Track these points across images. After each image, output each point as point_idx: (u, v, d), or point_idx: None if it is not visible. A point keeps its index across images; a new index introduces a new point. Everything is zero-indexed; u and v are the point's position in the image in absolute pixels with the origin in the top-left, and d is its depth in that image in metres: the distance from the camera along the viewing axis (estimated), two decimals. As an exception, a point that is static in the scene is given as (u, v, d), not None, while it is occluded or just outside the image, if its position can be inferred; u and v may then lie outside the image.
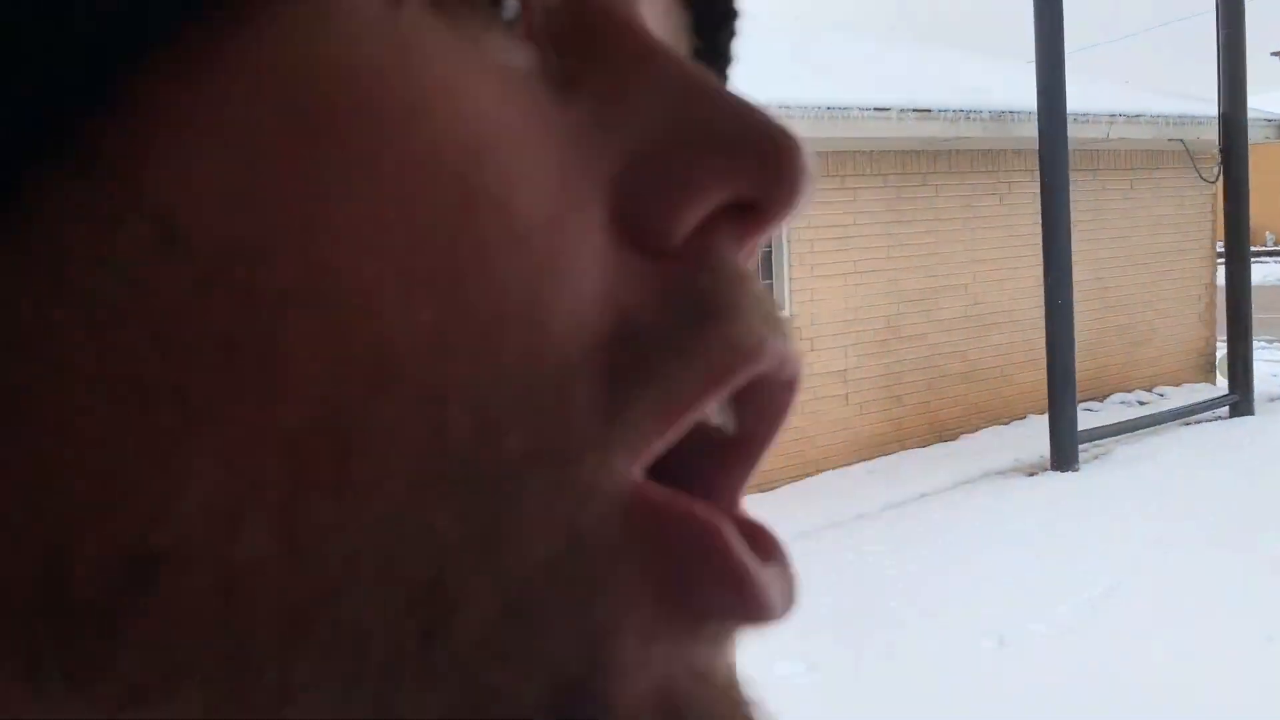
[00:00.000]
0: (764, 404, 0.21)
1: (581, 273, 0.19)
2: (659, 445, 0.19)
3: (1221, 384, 7.40)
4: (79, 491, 0.17)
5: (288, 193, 0.17)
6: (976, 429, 6.44)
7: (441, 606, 0.17)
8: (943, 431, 6.28)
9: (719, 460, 0.21)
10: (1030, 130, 5.84)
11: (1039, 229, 5.80)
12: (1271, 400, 7.18)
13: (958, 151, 6.36)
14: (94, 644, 0.17)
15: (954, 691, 3.04)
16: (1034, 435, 6.02)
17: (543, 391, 0.18)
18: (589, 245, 0.19)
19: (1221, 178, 7.22)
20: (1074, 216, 5.79)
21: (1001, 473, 5.62)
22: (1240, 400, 6.95)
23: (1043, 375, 5.88)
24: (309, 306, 0.17)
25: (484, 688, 0.18)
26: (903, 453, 6.01)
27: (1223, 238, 7.45)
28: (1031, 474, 5.60)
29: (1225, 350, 7.29)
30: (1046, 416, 5.84)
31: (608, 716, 0.18)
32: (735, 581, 0.19)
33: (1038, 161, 5.74)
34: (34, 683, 0.17)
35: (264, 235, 0.17)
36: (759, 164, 0.20)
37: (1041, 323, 5.90)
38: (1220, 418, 6.88)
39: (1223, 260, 7.40)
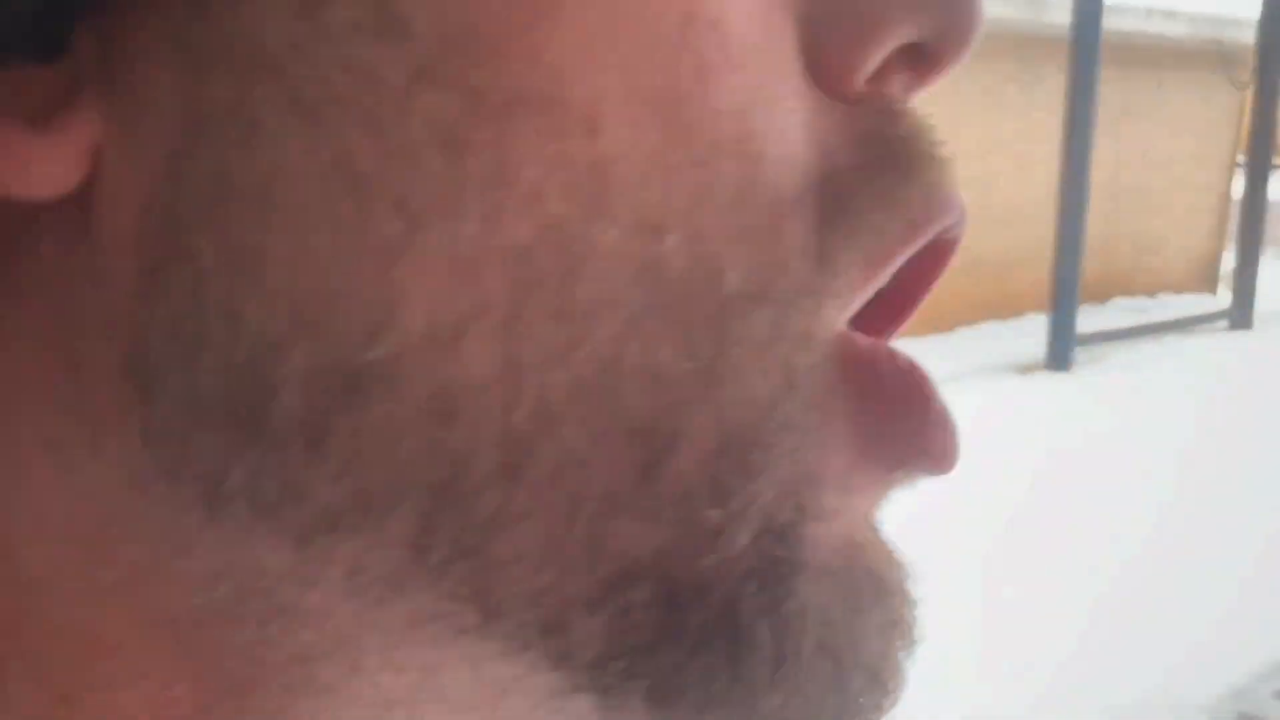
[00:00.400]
0: (928, 261, 0.20)
1: (789, 105, 0.18)
2: (863, 296, 0.19)
3: (1225, 296, 7.36)
4: (288, 296, 0.16)
5: None
6: (975, 323, 6.41)
7: (662, 441, 0.17)
8: (939, 323, 6.25)
9: (872, 317, 0.20)
10: (1062, 17, 5.66)
11: (1061, 124, 5.68)
12: (1274, 316, 7.15)
13: (985, 34, 6.17)
14: (292, 465, 0.16)
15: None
16: (1032, 333, 6.01)
17: (758, 229, 0.18)
18: (793, 77, 0.18)
19: (1253, 84, 7.07)
20: (1099, 112, 5.66)
21: (995, 369, 5.62)
22: (1239, 315, 6.95)
23: (1047, 274, 5.83)
24: (537, 114, 0.16)
25: (700, 527, 0.17)
26: (897, 342, 5.97)
27: (1245, 147, 7.34)
28: (1025, 372, 5.60)
29: (1233, 263, 7.25)
30: (1045, 315, 5.81)
31: (802, 562, 0.18)
32: (938, 429, 0.19)
33: (1068, 51, 5.58)
34: (213, 509, 0.17)
35: (493, 29, 0.16)
36: (941, 4, 0.20)
37: (1052, 220, 5.83)
38: (1219, 330, 6.86)
39: (1244, 169, 7.31)
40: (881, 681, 0.20)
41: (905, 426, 0.19)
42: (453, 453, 0.16)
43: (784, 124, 0.18)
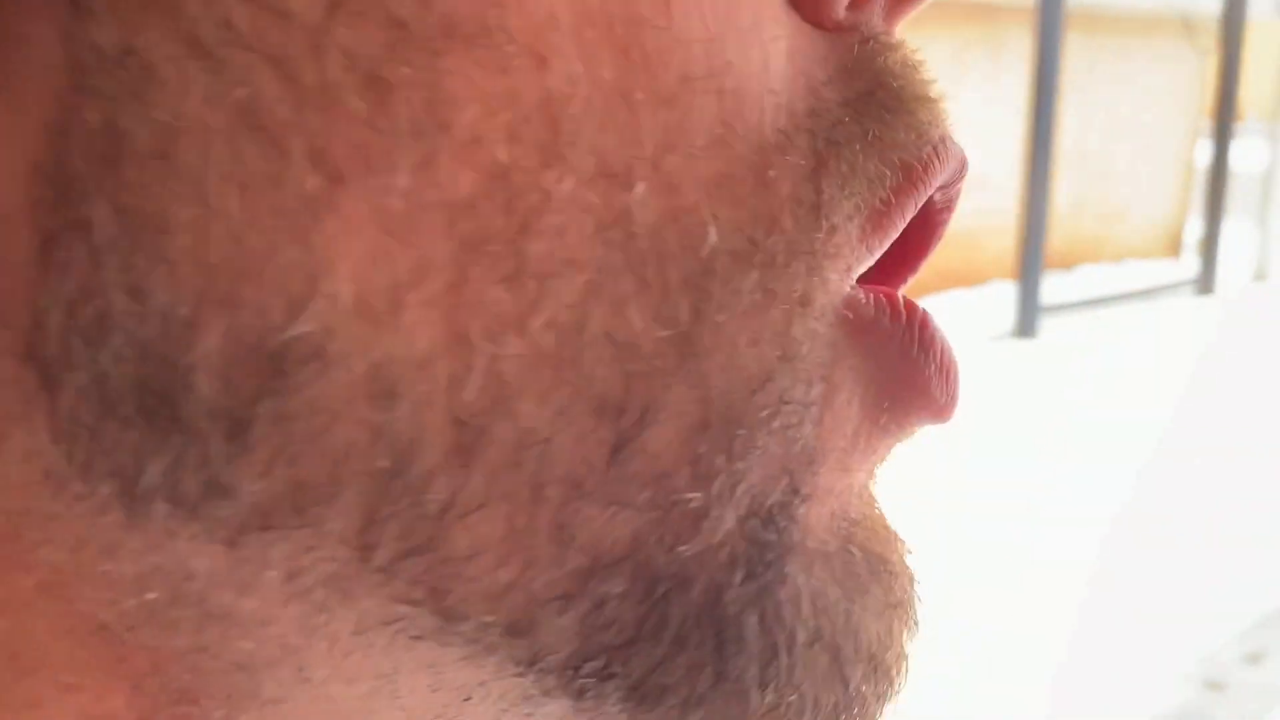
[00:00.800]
0: (929, 215, 0.19)
1: (770, 32, 0.16)
2: (866, 258, 0.17)
3: (1190, 263, 7.43)
4: (196, 268, 0.14)
5: None
6: (942, 291, 6.44)
7: (633, 417, 0.15)
8: (913, 293, 6.27)
9: (870, 277, 0.18)
10: (1027, -15, 5.67)
11: (1027, 91, 5.69)
12: (1239, 281, 7.23)
13: (950, 2, 6.17)
14: (214, 458, 0.15)
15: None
16: (999, 301, 6.04)
17: (740, 177, 0.16)
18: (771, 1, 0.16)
19: (1216, 52, 7.12)
20: (1065, 80, 5.68)
21: (962, 337, 5.65)
22: (1204, 280, 7.03)
23: (1013, 242, 5.86)
24: (474, 45, 0.14)
25: (679, 512, 0.16)
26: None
27: (1209, 114, 7.39)
28: (993, 340, 5.63)
29: (1198, 229, 7.32)
30: (1012, 283, 5.83)
31: (794, 546, 0.17)
32: (945, 379, 0.18)
33: (1032, 19, 5.60)
34: (132, 509, 0.15)
35: None
36: None
37: (1018, 189, 5.86)
38: (1185, 295, 6.93)
39: (1208, 137, 7.38)
40: (885, 669, 0.18)
41: (914, 385, 0.18)
42: (395, 438, 0.15)
43: (765, 54, 0.16)
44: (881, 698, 0.18)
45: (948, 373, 0.18)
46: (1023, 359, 5.28)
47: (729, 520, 0.16)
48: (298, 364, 0.14)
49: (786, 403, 0.16)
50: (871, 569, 0.18)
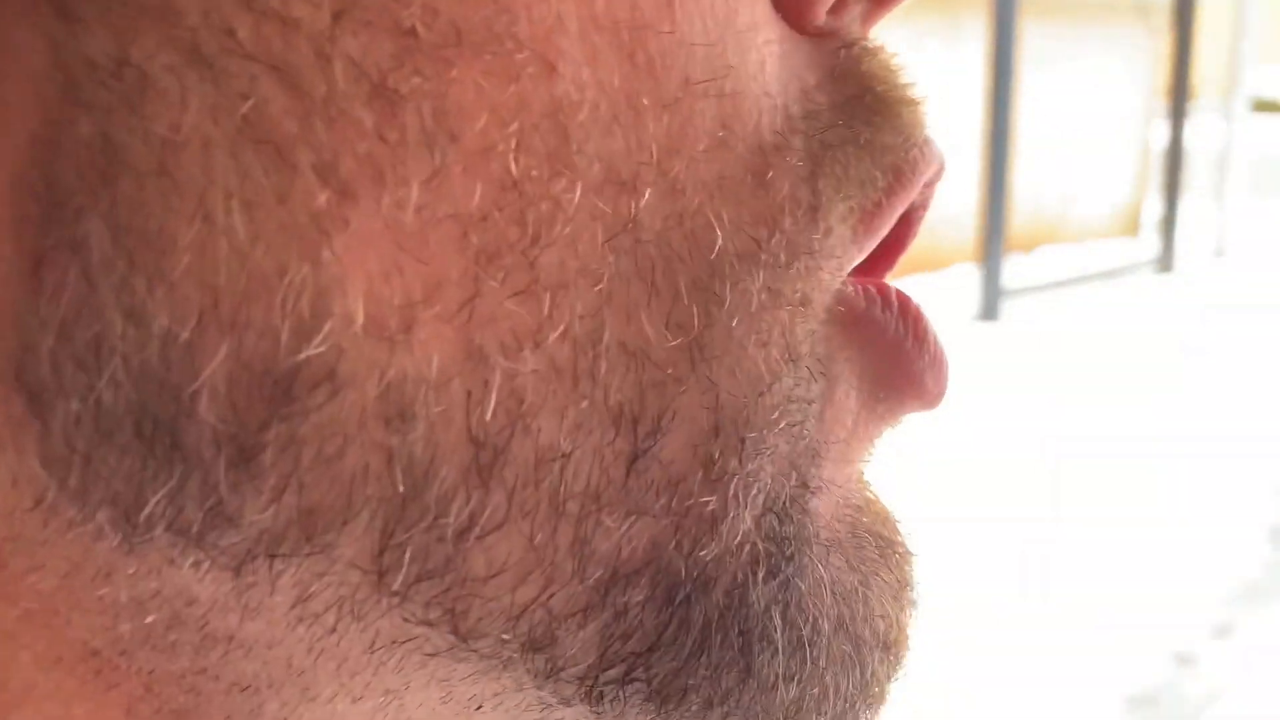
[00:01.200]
0: (908, 211, 0.19)
1: (764, 35, 0.16)
2: (856, 257, 0.18)
3: (1150, 241, 7.49)
4: (199, 289, 0.13)
5: None
6: (905, 276, 6.45)
7: (649, 425, 0.15)
8: (872, 277, 6.29)
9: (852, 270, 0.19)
10: (982, -29, 5.70)
11: (984, 78, 5.72)
12: (1198, 258, 7.29)
13: (907, -10, 6.18)
14: (218, 487, 0.14)
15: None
16: (962, 285, 6.07)
17: (743, 180, 0.16)
18: (761, 4, 0.16)
19: (1169, 33, 7.17)
20: (1021, 65, 5.71)
21: (927, 321, 5.68)
22: (1164, 258, 7.11)
23: (974, 226, 5.89)
24: (483, 53, 0.14)
25: (696, 516, 0.16)
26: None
27: (1164, 95, 7.44)
28: (956, 323, 5.66)
29: (1157, 208, 7.37)
30: (974, 266, 5.86)
31: (810, 539, 0.17)
32: (936, 368, 0.18)
33: (988, 5, 5.62)
34: (131, 536, 0.14)
35: None
36: None
37: (977, 173, 5.88)
38: (1145, 274, 6.99)
39: (1163, 118, 7.44)
40: (895, 651, 0.19)
41: (907, 375, 0.18)
42: (411, 460, 0.14)
43: (761, 57, 0.16)
44: (891, 678, 0.19)
45: (939, 362, 0.19)
46: (987, 341, 5.31)
47: (746, 520, 0.16)
48: (308, 388, 0.14)
49: (792, 402, 0.16)
50: (881, 552, 0.19)
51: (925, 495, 3.36)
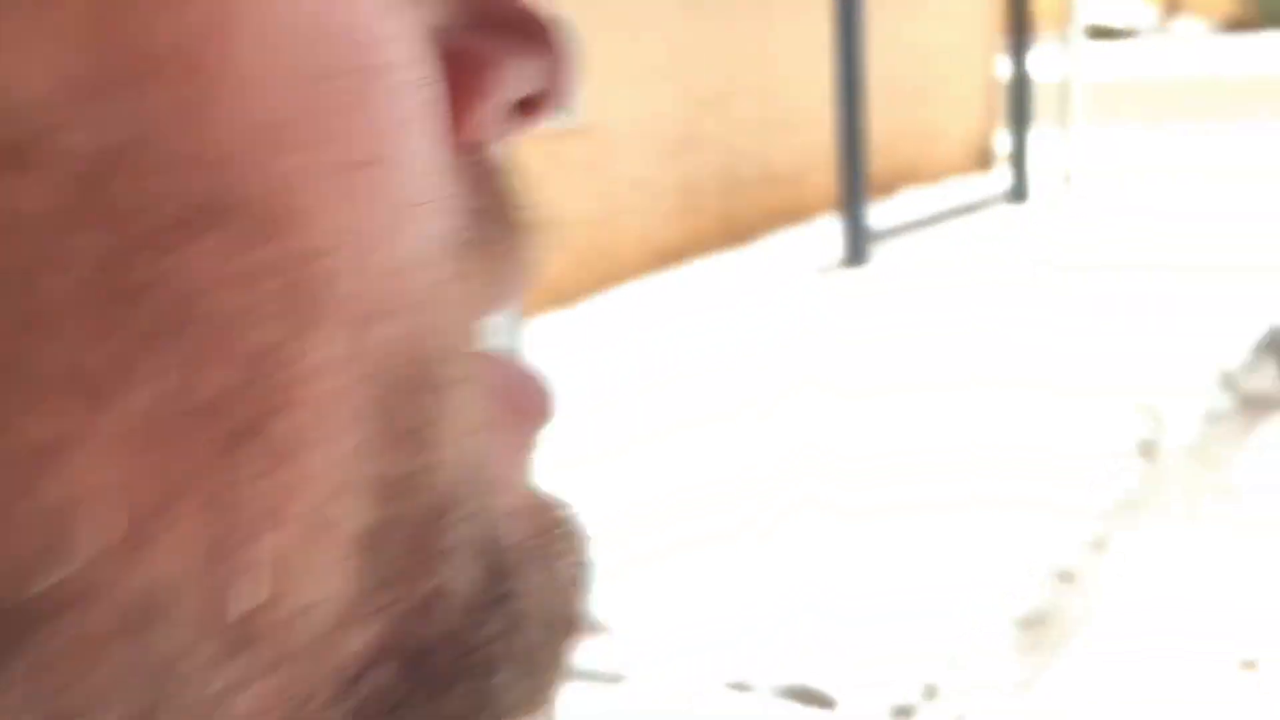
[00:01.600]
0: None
1: (441, 152, 0.17)
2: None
3: (1003, 174, 7.70)
4: None
5: (165, 68, 0.13)
6: (772, 230, 6.54)
7: (385, 544, 0.16)
8: (737, 237, 6.34)
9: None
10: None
11: (832, 28, 5.79)
12: (1049, 187, 7.51)
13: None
14: None
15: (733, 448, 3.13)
16: (828, 234, 6.17)
17: (447, 287, 0.16)
18: (437, 120, 0.17)
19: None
20: (866, 12, 5.80)
21: (795, 272, 5.75)
22: (1018, 189, 7.33)
23: (834, 175, 5.98)
24: (216, 223, 0.13)
25: (424, 594, 0.16)
26: (702, 259, 6.05)
27: (1004, 31, 7.62)
28: (824, 272, 5.75)
29: (1007, 142, 7.57)
30: (838, 215, 5.97)
31: (512, 561, 0.18)
32: (548, 393, 0.20)
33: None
34: None
35: (145, 125, 0.13)
36: (548, 54, 0.19)
37: (833, 123, 5.97)
38: (1000, 205, 7.20)
39: (1006, 52, 7.62)
40: (578, 622, 0.20)
41: (536, 408, 0.20)
42: (166, 654, 0.14)
43: (442, 167, 0.17)
44: (573, 648, 0.20)
45: (547, 392, 0.21)
46: (855, 286, 5.41)
47: (463, 578, 0.17)
48: (54, 612, 0.13)
49: (484, 465, 0.17)
50: (563, 538, 0.20)
51: (811, 435, 3.42)
